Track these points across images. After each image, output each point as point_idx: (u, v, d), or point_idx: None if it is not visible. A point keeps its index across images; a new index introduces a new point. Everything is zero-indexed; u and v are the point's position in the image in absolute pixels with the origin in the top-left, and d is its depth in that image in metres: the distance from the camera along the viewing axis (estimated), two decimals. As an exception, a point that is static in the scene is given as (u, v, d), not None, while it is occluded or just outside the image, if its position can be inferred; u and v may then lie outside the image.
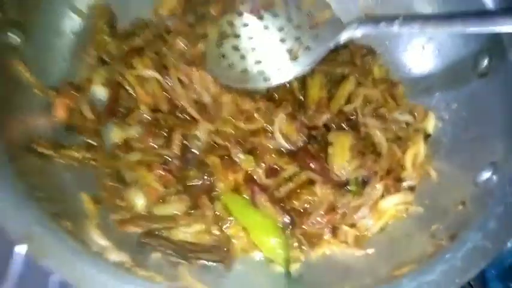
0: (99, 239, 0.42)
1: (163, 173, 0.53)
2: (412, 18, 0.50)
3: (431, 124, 0.59)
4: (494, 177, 0.46)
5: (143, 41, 0.60)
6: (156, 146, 0.55)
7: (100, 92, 0.58)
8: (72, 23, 0.57)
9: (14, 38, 0.48)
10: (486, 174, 0.47)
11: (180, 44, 0.59)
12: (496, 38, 0.52)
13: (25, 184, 0.39)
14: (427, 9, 0.60)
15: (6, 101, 0.45)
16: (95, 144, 0.54)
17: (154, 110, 0.57)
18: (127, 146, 0.55)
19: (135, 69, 0.57)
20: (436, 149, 0.57)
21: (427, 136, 0.59)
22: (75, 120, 0.54)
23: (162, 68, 0.58)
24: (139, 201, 0.51)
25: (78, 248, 0.37)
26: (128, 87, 0.57)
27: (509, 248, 0.67)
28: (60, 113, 0.52)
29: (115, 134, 0.56)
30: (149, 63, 0.58)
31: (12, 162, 0.40)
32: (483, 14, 0.49)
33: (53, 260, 0.35)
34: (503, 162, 0.46)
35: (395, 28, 0.50)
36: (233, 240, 0.52)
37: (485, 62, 0.54)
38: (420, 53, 0.63)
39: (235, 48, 0.59)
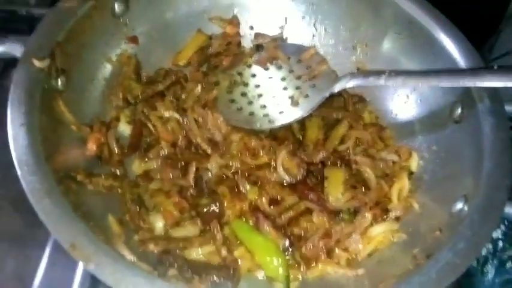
0: (126, 254, 0.48)
1: (179, 200, 0.60)
2: (396, 73, 0.59)
3: (414, 163, 0.67)
4: (465, 208, 0.53)
5: (164, 86, 0.69)
6: (173, 177, 0.63)
7: (125, 129, 0.66)
8: (104, 70, 0.66)
9: (60, 83, 0.57)
10: (459, 205, 0.54)
11: (196, 89, 0.68)
12: (467, 90, 0.61)
13: (69, 203, 0.46)
14: (409, 66, 0.69)
15: (52, 135, 0.52)
16: (120, 173, 0.62)
17: (173, 145, 0.65)
18: (147, 176, 0.63)
19: (158, 111, 0.66)
20: (418, 184, 0.64)
21: (410, 173, 0.66)
22: (104, 153, 0.62)
23: (181, 110, 0.67)
24: (158, 224, 0.58)
25: (115, 256, 0.44)
26: (150, 126, 0.66)
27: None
28: (91, 146, 0.60)
29: (136, 166, 0.64)
30: (170, 105, 0.66)
31: (58, 185, 0.47)
32: (454, 72, 0.59)
33: (95, 264, 0.42)
34: (473, 195, 0.53)
35: (382, 81, 0.59)
36: (239, 261, 0.58)
37: (459, 110, 0.62)
38: (405, 101, 0.71)
39: (244, 95, 0.68)
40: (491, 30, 1.11)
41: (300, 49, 0.71)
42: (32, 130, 0.49)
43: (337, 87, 0.63)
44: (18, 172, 0.46)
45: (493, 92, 0.60)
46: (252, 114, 0.66)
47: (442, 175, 0.62)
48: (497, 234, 0.81)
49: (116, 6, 0.66)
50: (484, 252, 0.81)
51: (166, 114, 0.65)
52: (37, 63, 0.53)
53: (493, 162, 0.54)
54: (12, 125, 0.48)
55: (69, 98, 0.59)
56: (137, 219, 0.57)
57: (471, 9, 0.93)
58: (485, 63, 1.11)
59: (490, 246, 0.82)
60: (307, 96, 0.65)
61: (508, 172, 0.54)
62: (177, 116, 0.65)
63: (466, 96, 0.61)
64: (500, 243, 0.81)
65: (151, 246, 0.55)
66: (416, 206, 0.62)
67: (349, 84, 0.62)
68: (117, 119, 0.66)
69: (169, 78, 0.70)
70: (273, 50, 0.72)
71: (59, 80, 0.57)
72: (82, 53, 0.61)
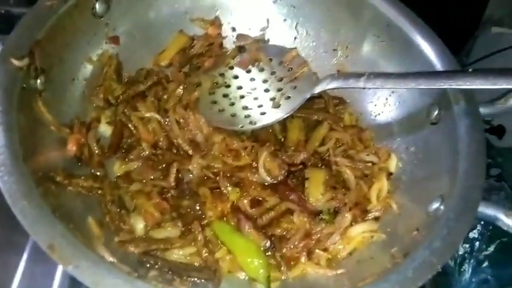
0: (106, 255, 0.48)
1: (160, 201, 0.60)
2: (375, 75, 0.60)
3: (393, 164, 0.68)
4: (442, 207, 0.54)
5: (146, 87, 0.68)
6: (154, 178, 0.63)
7: (106, 129, 0.65)
8: (84, 70, 0.66)
9: (39, 83, 0.56)
10: (435, 205, 0.55)
11: (178, 90, 0.68)
12: (444, 93, 0.63)
13: (48, 205, 0.46)
14: (388, 68, 0.71)
15: (30, 135, 0.52)
16: (100, 174, 0.61)
17: (154, 146, 0.65)
18: (128, 177, 0.63)
19: (139, 111, 0.65)
20: (396, 184, 0.65)
21: (389, 174, 0.67)
22: (84, 154, 0.61)
23: (162, 111, 0.66)
24: (139, 226, 0.58)
25: (95, 257, 0.44)
26: (130, 127, 0.65)
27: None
28: (71, 147, 0.59)
29: (117, 167, 0.64)
30: (151, 106, 0.66)
31: (37, 187, 0.46)
32: (431, 74, 0.60)
33: (74, 266, 0.42)
34: (449, 195, 0.54)
35: (361, 83, 0.60)
36: (220, 262, 0.58)
37: (436, 112, 0.64)
38: (384, 103, 0.73)
39: (226, 96, 0.68)
40: (469, 35, 1.14)
41: (281, 51, 0.72)
42: (9, 130, 0.48)
43: (317, 89, 0.64)
44: (-5, 173, 0.45)
45: (469, 94, 0.61)
46: (234, 115, 0.66)
47: (420, 176, 0.63)
48: (474, 234, 0.83)
49: (97, 5, 0.65)
50: (461, 251, 0.83)
51: (148, 114, 0.65)
52: (16, 62, 0.53)
53: (468, 163, 0.55)
54: (-11, 124, 0.48)
55: (49, 98, 0.58)
56: (117, 221, 0.57)
57: (449, 13, 0.96)
58: (462, 67, 1.14)
59: (467, 246, 0.84)
60: (288, 97, 0.66)
61: (482, 172, 0.55)
62: (158, 116, 0.65)
63: (443, 98, 0.63)
64: (477, 243, 0.83)
65: (132, 248, 0.54)
66: (394, 206, 0.63)
67: (330, 86, 0.63)
68: (98, 120, 0.65)
69: (151, 78, 0.70)
70: (255, 51, 0.72)
71: (38, 79, 0.56)
72: (62, 53, 0.61)
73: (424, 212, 0.56)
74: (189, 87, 0.69)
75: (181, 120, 0.66)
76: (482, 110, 0.62)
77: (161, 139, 0.65)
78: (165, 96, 0.68)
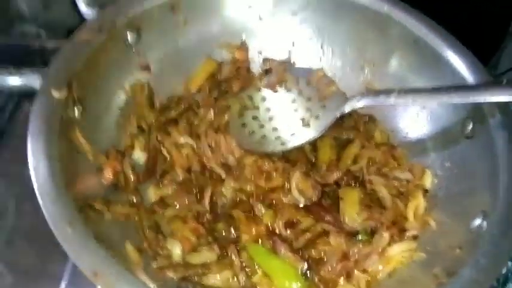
0: (146, 281, 0.48)
1: (195, 226, 0.60)
2: (405, 92, 0.60)
3: (428, 181, 0.67)
4: (484, 223, 0.53)
5: (177, 113, 0.70)
6: (188, 202, 0.63)
7: (140, 156, 0.67)
8: (118, 99, 0.68)
9: (76, 113, 0.58)
10: (477, 221, 0.54)
11: (209, 115, 0.69)
12: (477, 106, 0.62)
13: (90, 231, 0.46)
14: (417, 83, 0.70)
15: (70, 165, 0.53)
16: (136, 201, 0.62)
17: (187, 171, 0.66)
18: (163, 202, 0.63)
19: (172, 137, 0.67)
20: (433, 201, 0.64)
21: (425, 191, 0.65)
22: (120, 181, 0.62)
23: (194, 136, 0.67)
24: (176, 251, 0.58)
25: (136, 283, 0.44)
26: (164, 152, 0.67)
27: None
28: (108, 174, 0.61)
29: (152, 192, 0.65)
30: (183, 131, 0.67)
31: (79, 214, 0.48)
32: (463, 88, 0.59)
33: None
34: (491, 210, 0.53)
35: (391, 100, 0.60)
36: (258, 286, 0.58)
37: (470, 126, 0.62)
38: (415, 119, 0.71)
39: (255, 118, 0.69)
40: (496, 47, 1.12)
41: (308, 72, 0.72)
42: (52, 160, 0.49)
43: (347, 107, 0.64)
44: (40, 202, 0.46)
45: (503, 107, 0.60)
46: (264, 137, 0.67)
47: (457, 191, 0.62)
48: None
49: (129, 36, 0.67)
50: (503, 270, 0.80)
51: (181, 140, 0.66)
52: (55, 93, 0.54)
53: (508, 177, 0.54)
54: (33, 155, 0.49)
55: (86, 127, 0.59)
56: (155, 246, 0.58)
57: (474, 26, 0.95)
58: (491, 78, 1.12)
59: (510, 264, 0.81)
60: (318, 117, 0.66)
61: (525, 187, 0.54)
62: (191, 141, 0.66)
63: (477, 112, 0.62)
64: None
65: (170, 273, 0.55)
66: (433, 223, 0.61)
67: (359, 104, 0.63)
68: (132, 147, 0.66)
69: (182, 104, 0.71)
70: (281, 73, 0.73)
71: (75, 109, 0.58)
72: (97, 83, 0.63)
73: (466, 229, 0.55)
74: (219, 111, 0.70)
75: (213, 144, 0.66)
76: (519, 122, 0.60)
77: (194, 163, 0.66)
78: (196, 122, 0.69)
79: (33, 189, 0.51)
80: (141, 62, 0.70)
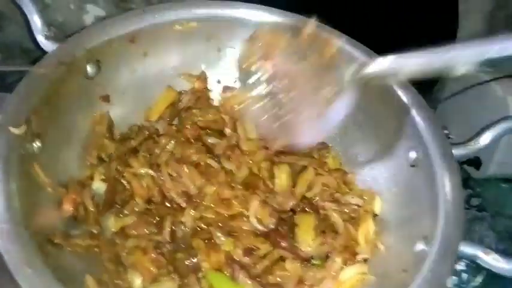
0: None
1: (156, 256, 0.62)
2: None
3: (378, 205, 0.71)
4: (426, 248, 0.57)
5: (137, 142, 0.71)
6: (148, 233, 0.64)
7: (99, 186, 0.67)
8: (78, 131, 0.68)
9: (35, 147, 0.58)
10: (420, 246, 0.58)
11: (170, 144, 0.71)
12: (419, 137, 0.67)
13: (50, 270, 0.47)
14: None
15: (29, 201, 0.53)
16: (96, 232, 0.63)
17: (147, 201, 0.67)
18: (124, 233, 0.64)
19: (132, 168, 0.68)
20: (383, 226, 0.68)
21: (375, 216, 0.70)
22: (80, 212, 0.63)
23: (155, 165, 0.69)
24: (136, 282, 0.59)
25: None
26: (124, 183, 0.68)
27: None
28: (67, 207, 0.61)
29: (112, 223, 0.65)
30: (144, 161, 0.69)
31: (38, 252, 0.48)
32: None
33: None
34: (432, 235, 0.57)
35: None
36: (218, 313, 0.59)
37: (415, 156, 0.67)
38: (366, 147, 0.76)
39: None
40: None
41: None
42: (10, 198, 0.50)
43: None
44: (-1, 242, 0.47)
45: (442, 138, 0.66)
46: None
47: (403, 216, 0.66)
48: (461, 266, 0.86)
49: (88, 68, 0.68)
50: (449, 285, 0.86)
51: (140, 170, 0.67)
52: (14, 130, 0.55)
53: (447, 204, 0.59)
54: (-10, 194, 0.49)
55: (45, 161, 0.60)
56: (115, 278, 0.58)
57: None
58: (437, 103, 1.20)
59: (456, 278, 0.87)
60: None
61: (462, 212, 0.59)
62: (151, 172, 0.67)
63: (419, 142, 0.67)
64: (465, 276, 0.86)
65: (131, 305, 0.55)
66: (381, 247, 0.65)
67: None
68: (92, 178, 0.67)
69: (142, 134, 0.72)
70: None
71: (34, 144, 0.58)
72: (57, 117, 0.63)
73: (410, 253, 0.59)
74: (179, 141, 0.71)
75: (173, 174, 0.68)
76: (455, 152, 0.66)
77: (154, 193, 0.67)
78: (157, 150, 0.71)
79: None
80: (100, 93, 0.71)
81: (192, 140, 0.73)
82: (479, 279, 0.85)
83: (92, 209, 0.64)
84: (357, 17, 0.91)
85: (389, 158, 0.73)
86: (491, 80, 1.09)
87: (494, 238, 0.88)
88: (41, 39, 0.67)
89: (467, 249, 0.55)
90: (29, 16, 0.67)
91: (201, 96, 0.79)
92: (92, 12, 1.00)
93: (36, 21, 0.67)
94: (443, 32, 1.08)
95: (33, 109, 0.58)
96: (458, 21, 1.06)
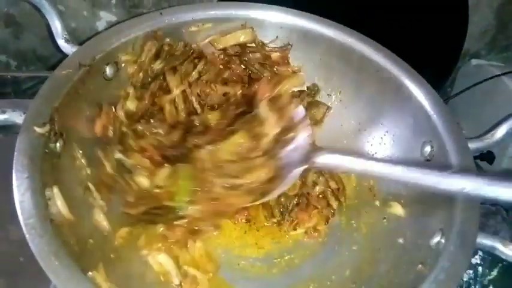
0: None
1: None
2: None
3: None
4: (442, 241, 0.58)
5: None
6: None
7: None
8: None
9: (58, 146, 0.59)
10: (436, 239, 0.59)
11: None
12: (435, 131, 0.67)
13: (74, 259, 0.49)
14: (383, 110, 0.76)
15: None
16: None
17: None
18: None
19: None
20: (398, 220, 0.69)
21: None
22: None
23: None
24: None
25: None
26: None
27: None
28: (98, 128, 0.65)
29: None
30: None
31: (63, 242, 0.50)
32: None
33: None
34: (448, 228, 0.58)
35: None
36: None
37: (429, 150, 0.68)
38: (379, 142, 0.77)
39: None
40: (451, 67, 1.20)
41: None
42: (36, 194, 0.51)
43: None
44: (27, 236, 0.48)
45: (458, 132, 0.66)
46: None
47: (419, 210, 0.67)
48: (476, 260, 0.87)
49: (107, 69, 0.70)
50: (465, 278, 0.86)
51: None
52: (38, 129, 0.57)
53: (463, 197, 0.59)
54: (18, 190, 0.51)
55: (66, 158, 0.61)
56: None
57: (432, 50, 1.03)
58: (447, 98, 1.20)
59: (471, 272, 0.87)
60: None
61: (477, 204, 0.59)
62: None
63: (434, 136, 0.67)
64: (480, 269, 0.86)
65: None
66: (400, 240, 0.66)
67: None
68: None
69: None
70: None
71: (57, 143, 0.60)
72: (77, 116, 0.65)
73: (427, 245, 0.60)
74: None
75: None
76: (471, 145, 0.66)
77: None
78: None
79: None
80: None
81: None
82: (494, 273, 0.85)
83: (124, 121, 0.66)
84: (367, 13, 0.92)
85: (404, 152, 0.73)
86: (502, 74, 1.09)
87: (508, 231, 0.88)
88: (61, 42, 0.69)
89: (485, 241, 0.56)
90: (50, 21, 0.69)
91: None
92: (105, 18, 1.02)
93: (57, 26, 0.69)
94: (455, 28, 1.08)
95: (56, 109, 0.60)
96: (468, 17, 1.07)
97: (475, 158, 1.12)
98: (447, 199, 0.60)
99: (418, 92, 0.71)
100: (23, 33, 1.02)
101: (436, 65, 1.07)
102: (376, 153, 0.77)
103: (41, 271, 0.46)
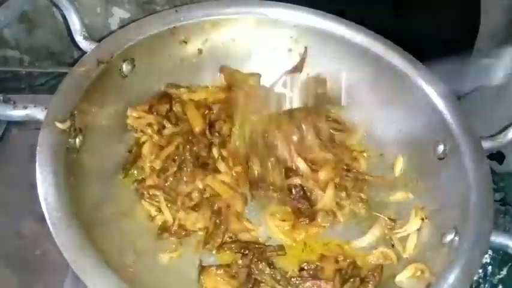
0: None
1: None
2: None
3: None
4: (456, 238, 0.58)
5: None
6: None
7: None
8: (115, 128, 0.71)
9: (78, 142, 0.61)
10: (450, 236, 0.59)
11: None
12: (447, 130, 0.68)
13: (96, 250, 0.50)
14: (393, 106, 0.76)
15: (77, 189, 0.56)
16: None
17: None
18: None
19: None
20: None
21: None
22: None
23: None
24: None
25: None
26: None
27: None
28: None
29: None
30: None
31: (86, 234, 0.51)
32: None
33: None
34: (462, 226, 0.58)
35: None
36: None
37: (442, 148, 0.69)
38: (392, 141, 0.77)
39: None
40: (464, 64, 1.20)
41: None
42: (60, 188, 0.53)
43: None
44: (51, 229, 0.49)
45: (472, 131, 0.67)
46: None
47: (432, 209, 0.67)
48: (486, 259, 0.87)
49: (124, 66, 0.71)
50: (475, 277, 0.87)
51: None
52: (60, 125, 0.58)
53: (477, 195, 0.60)
54: (42, 185, 0.52)
55: (86, 153, 0.62)
56: None
57: (441, 48, 1.03)
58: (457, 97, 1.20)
59: (481, 271, 0.88)
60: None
61: (491, 203, 0.60)
62: None
63: (447, 135, 0.68)
64: (490, 268, 0.86)
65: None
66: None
67: None
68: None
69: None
70: None
71: (77, 138, 0.61)
72: (96, 112, 0.66)
73: (440, 243, 0.60)
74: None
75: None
76: (484, 144, 0.67)
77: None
78: None
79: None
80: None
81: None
82: (504, 272, 0.86)
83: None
84: (381, 12, 0.92)
85: (416, 151, 0.74)
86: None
87: (518, 230, 0.89)
88: (79, 39, 0.70)
89: (498, 239, 0.57)
90: (68, 19, 0.69)
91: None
92: (117, 14, 1.03)
93: (75, 23, 0.70)
94: (466, 27, 1.08)
95: (76, 105, 0.61)
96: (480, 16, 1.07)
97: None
98: (462, 196, 0.61)
99: (431, 91, 0.72)
100: (35, 30, 1.03)
101: (448, 63, 1.07)
102: (384, 154, 0.77)
103: (55, 265, 0.48)
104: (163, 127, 0.72)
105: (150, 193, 0.65)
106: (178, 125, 0.72)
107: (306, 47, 0.80)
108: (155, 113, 0.73)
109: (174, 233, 0.63)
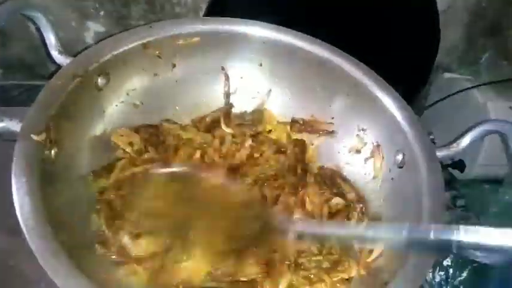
0: None
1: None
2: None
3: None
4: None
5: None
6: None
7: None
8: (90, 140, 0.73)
9: (53, 153, 0.63)
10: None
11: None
12: (406, 140, 0.73)
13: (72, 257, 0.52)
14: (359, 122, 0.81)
15: (51, 198, 0.58)
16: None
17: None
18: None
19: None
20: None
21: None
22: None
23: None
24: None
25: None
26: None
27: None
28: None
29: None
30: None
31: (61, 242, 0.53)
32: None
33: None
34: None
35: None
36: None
37: (401, 157, 0.73)
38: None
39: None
40: (425, 80, 1.27)
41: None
42: (35, 197, 0.55)
43: None
44: (26, 236, 0.51)
45: (427, 141, 0.72)
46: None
47: (391, 215, 0.72)
48: (447, 262, 0.92)
49: (99, 80, 0.73)
50: (437, 279, 0.92)
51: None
52: (35, 137, 0.60)
53: (430, 203, 0.64)
54: (18, 194, 0.54)
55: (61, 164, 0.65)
56: None
57: (405, 63, 1.09)
58: (421, 109, 1.27)
59: (443, 273, 0.93)
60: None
61: (443, 209, 0.65)
62: None
63: (406, 145, 0.73)
64: (451, 270, 0.92)
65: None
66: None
67: None
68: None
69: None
70: None
71: (52, 150, 0.63)
72: (71, 124, 0.68)
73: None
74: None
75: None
76: (440, 153, 0.72)
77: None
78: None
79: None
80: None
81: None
82: (464, 274, 0.91)
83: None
84: (344, 29, 0.97)
85: (379, 160, 0.79)
86: (472, 87, 1.17)
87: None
88: (54, 53, 0.72)
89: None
90: (44, 34, 0.72)
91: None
92: (93, 28, 1.06)
93: (50, 37, 0.72)
94: (427, 43, 1.15)
95: (51, 118, 0.63)
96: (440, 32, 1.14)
97: (448, 166, 1.19)
98: (415, 203, 0.65)
99: (391, 104, 0.76)
100: (9, 42, 1.05)
101: (411, 78, 1.13)
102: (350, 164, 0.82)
103: (30, 275, 0.49)
104: (146, 150, 0.74)
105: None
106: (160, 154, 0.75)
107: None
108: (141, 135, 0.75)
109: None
